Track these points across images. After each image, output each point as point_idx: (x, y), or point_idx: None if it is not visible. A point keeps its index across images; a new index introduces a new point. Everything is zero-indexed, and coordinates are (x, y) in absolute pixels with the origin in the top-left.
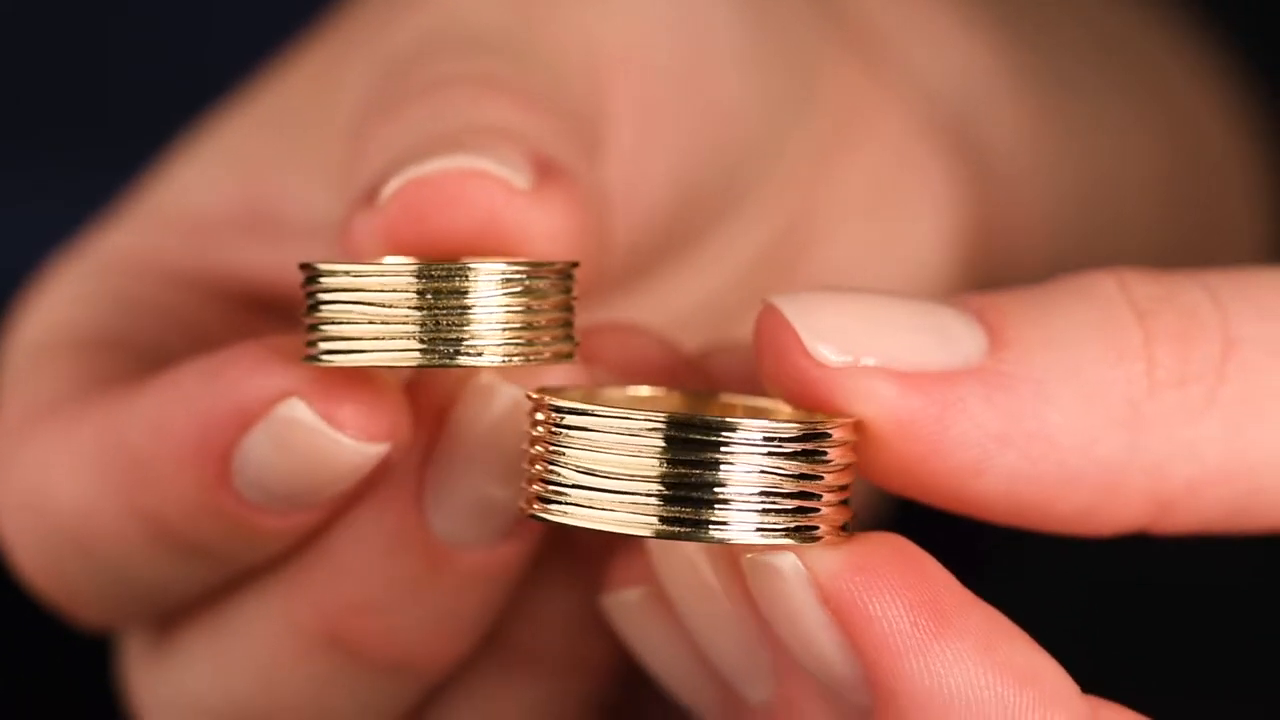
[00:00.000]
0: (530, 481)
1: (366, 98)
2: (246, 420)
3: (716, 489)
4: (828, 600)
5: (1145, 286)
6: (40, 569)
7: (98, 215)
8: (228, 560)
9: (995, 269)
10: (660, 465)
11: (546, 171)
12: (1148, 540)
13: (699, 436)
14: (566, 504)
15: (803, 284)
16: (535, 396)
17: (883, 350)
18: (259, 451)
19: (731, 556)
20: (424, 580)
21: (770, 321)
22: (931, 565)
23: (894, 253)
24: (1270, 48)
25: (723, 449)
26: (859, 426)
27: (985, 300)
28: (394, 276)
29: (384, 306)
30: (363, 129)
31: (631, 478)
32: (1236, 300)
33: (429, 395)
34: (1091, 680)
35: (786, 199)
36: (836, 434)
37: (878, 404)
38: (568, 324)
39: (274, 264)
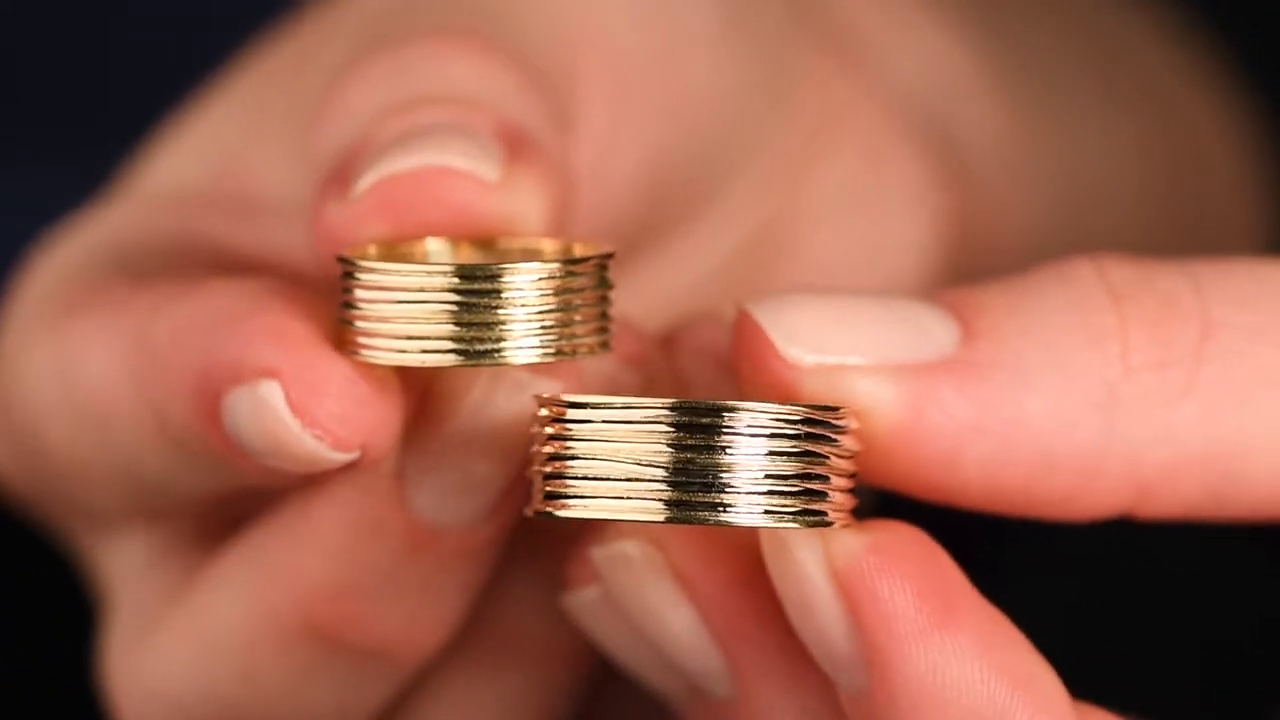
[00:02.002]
0: (538, 480)
1: (336, 63)
2: (234, 378)
3: (723, 473)
4: (837, 574)
5: (1123, 271)
6: (63, 440)
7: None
8: (222, 478)
9: (976, 268)
10: (667, 451)
11: (516, 150)
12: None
13: (705, 420)
14: (575, 497)
15: (781, 283)
16: (542, 396)
17: (855, 347)
18: (237, 411)
19: (674, 562)
20: (404, 562)
21: (743, 326)
22: (945, 561)
23: (873, 253)
24: (1266, 47)
25: (729, 432)
26: (861, 414)
27: (958, 293)
28: (431, 276)
29: (421, 304)
30: (327, 85)
31: (640, 465)
32: (1216, 287)
33: (409, 372)
34: (1075, 670)
35: (764, 196)
36: (843, 419)
37: (851, 401)
38: (604, 315)
39: (250, 240)
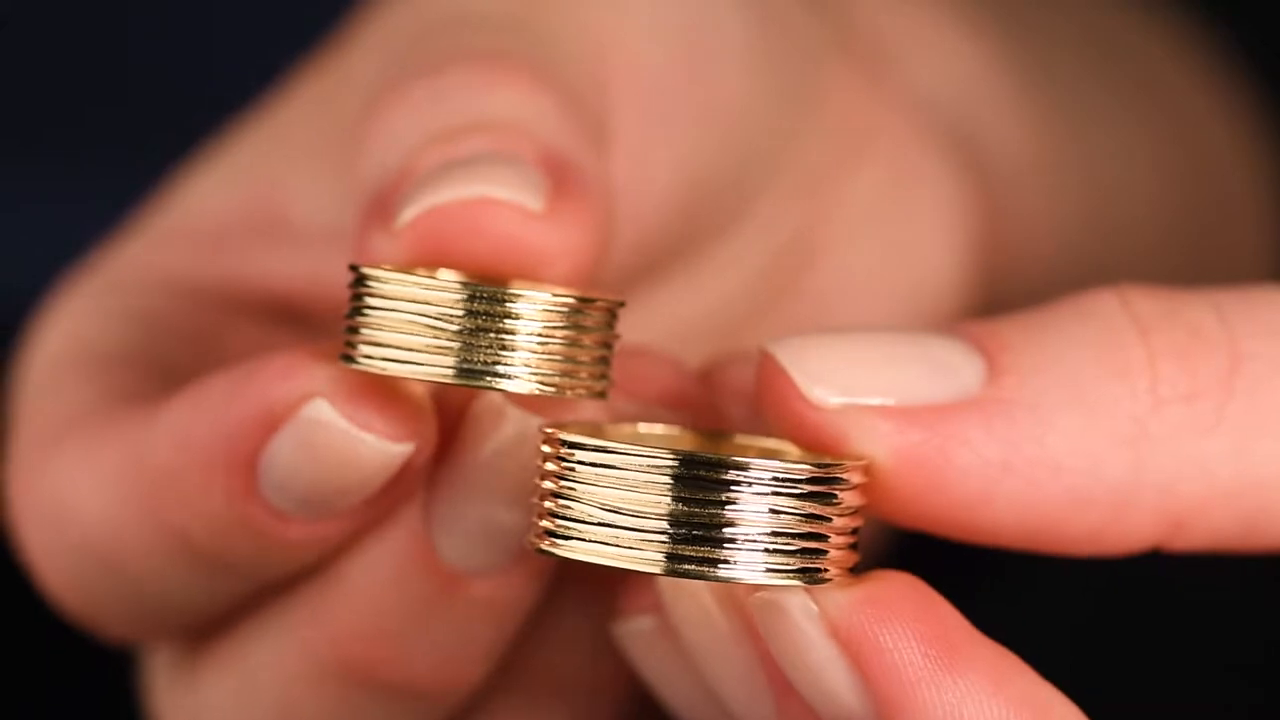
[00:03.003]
0: (539, 516)
1: (372, 85)
2: (273, 424)
3: (725, 528)
4: (838, 633)
5: (1148, 303)
6: (66, 585)
7: (99, 217)
8: (252, 575)
9: (1003, 279)
10: (669, 502)
11: (560, 181)
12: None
13: (709, 475)
14: (575, 539)
15: (810, 295)
16: (548, 431)
17: (879, 388)
18: (285, 455)
19: (738, 596)
20: (433, 606)
21: (766, 367)
22: (941, 603)
23: (902, 264)
24: (1273, 50)
25: (732, 488)
26: (869, 469)
27: (983, 327)
28: (440, 291)
29: (426, 319)
30: (367, 108)
31: (641, 514)
32: (1243, 317)
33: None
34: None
35: (794, 209)
36: (847, 476)
37: (877, 442)
38: (605, 361)
39: (284, 268)
